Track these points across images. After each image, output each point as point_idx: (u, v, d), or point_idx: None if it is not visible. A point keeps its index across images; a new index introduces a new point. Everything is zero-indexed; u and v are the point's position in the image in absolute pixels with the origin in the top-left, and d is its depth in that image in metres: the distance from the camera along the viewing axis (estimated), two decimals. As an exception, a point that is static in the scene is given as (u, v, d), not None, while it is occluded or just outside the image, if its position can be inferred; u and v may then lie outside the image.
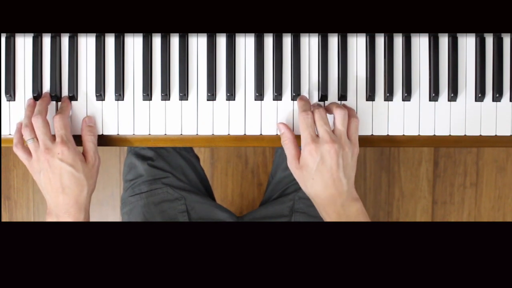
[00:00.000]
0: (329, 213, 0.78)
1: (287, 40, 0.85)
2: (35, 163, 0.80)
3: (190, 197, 1.05)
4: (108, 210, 1.69)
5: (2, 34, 0.83)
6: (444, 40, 0.85)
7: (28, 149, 0.81)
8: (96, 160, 0.82)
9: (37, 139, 0.79)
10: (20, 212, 1.70)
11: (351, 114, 0.81)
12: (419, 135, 0.85)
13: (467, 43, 0.85)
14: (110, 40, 0.84)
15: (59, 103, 0.84)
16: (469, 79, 0.85)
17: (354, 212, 0.78)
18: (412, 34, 0.85)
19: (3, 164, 1.67)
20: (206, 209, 1.06)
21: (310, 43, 0.85)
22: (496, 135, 0.86)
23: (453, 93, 0.85)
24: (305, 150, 0.78)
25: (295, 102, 0.84)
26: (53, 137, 0.80)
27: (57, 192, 0.79)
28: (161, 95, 0.84)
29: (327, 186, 0.77)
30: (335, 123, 0.79)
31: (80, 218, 0.80)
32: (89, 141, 0.82)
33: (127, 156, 1.12)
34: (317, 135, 0.78)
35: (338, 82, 0.85)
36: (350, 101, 0.85)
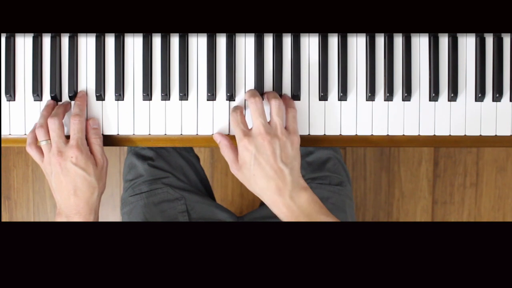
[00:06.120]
0: (280, 208, 0.77)
1: (287, 40, 0.85)
2: (47, 165, 0.80)
3: (190, 197, 1.05)
4: (108, 210, 1.69)
5: (2, 34, 0.83)
6: (444, 40, 0.85)
7: (41, 149, 0.80)
8: (104, 162, 0.82)
9: (51, 141, 0.79)
10: (20, 212, 1.70)
11: (288, 104, 0.81)
12: (419, 135, 0.85)
13: (467, 43, 0.85)
14: (110, 40, 0.84)
15: (72, 102, 0.84)
16: (469, 79, 0.85)
17: (305, 202, 0.77)
18: (412, 34, 0.85)
19: (3, 164, 1.67)
20: (206, 209, 1.06)
21: (310, 43, 0.85)
22: (496, 135, 0.86)
23: (453, 93, 0.85)
24: (240, 146, 0.78)
25: (296, 102, 0.84)
26: (66, 139, 0.80)
27: (69, 194, 0.79)
28: (161, 95, 0.84)
29: (269, 178, 0.77)
30: (271, 114, 0.79)
31: (90, 219, 0.80)
32: (96, 144, 0.82)
33: (127, 156, 1.12)
34: (250, 129, 0.78)
35: (338, 82, 0.85)
36: (350, 101, 0.85)
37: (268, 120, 0.79)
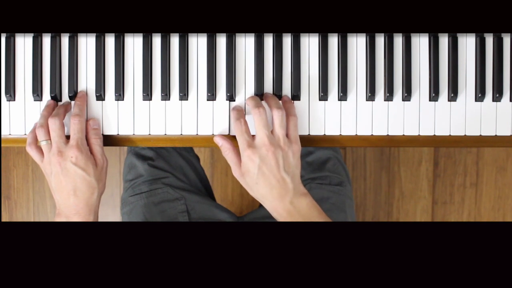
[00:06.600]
0: (280, 213, 0.79)
1: (287, 40, 0.85)
2: (46, 165, 0.80)
3: (190, 197, 1.05)
4: (108, 210, 1.69)
5: (2, 34, 0.83)
6: (444, 40, 0.85)
7: (41, 149, 0.80)
8: (104, 162, 0.82)
9: (51, 141, 0.79)
10: (20, 212, 1.70)
11: (289, 111, 0.82)
12: (419, 135, 0.85)
13: (467, 43, 0.85)
14: (110, 40, 0.84)
15: (72, 102, 0.84)
16: (469, 79, 0.85)
17: (304, 206, 0.79)
18: (412, 34, 0.85)
19: (3, 164, 1.67)
20: (206, 209, 1.06)
21: (310, 43, 0.85)
22: (496, 135, 0.86)
23: (453, 93, 0.85)
24: (244, 156, 0.79)
25: (296, 102, 0.84)
26: (66, 139, 0.80)
27: (68, 194, 0.79)
28: (161, 95, 0.84)
29: (272, 187, 0.78)
30: (274, 125, 0.79)
31: (89, 219, 0.80)
32: (96, 144, 0.82)
33: (127, 156, 1.12)
34: (253, 137, 0.79)
35: (338, 82, 0.85)
36: (350, 101, 0.85)
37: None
